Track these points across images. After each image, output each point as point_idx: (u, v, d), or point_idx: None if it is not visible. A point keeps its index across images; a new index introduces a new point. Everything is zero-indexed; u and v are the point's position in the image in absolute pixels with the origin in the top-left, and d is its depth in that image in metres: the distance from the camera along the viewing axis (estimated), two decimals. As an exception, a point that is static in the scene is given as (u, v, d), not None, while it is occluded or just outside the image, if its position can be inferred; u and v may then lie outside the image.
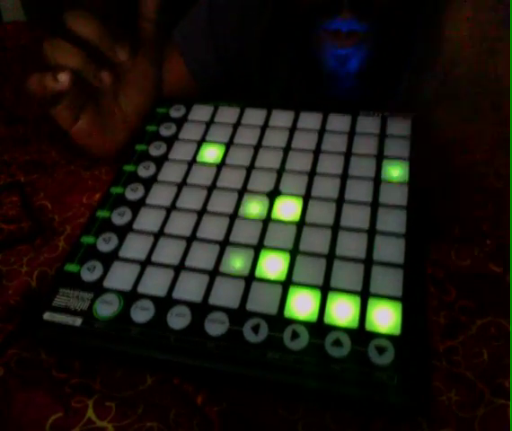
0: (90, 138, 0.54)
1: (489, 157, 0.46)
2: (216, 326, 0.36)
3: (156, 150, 0.50)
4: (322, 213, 0.42)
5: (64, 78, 0.49)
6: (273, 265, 0.39)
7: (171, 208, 0.45)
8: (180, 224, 0.43)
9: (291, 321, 0.36)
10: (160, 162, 0.49)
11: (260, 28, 0.72)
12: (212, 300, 0.38)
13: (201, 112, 0.53)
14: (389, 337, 0.35)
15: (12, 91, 0.71)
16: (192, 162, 0.48)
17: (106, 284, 0.40)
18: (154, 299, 0.38)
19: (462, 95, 0.46)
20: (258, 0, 0.72)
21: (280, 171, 0.46)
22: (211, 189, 0.46)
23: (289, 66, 0.71)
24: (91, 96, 0.53)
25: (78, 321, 0.38)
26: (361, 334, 0.35)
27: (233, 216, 0.43)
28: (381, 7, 0.56)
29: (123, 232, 0.43)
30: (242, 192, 0.45)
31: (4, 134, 0.63)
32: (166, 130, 0.52)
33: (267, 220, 0.42)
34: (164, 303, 0.38)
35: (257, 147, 0.49)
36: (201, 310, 0.37)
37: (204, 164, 0.48)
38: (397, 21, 0.58)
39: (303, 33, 0.61)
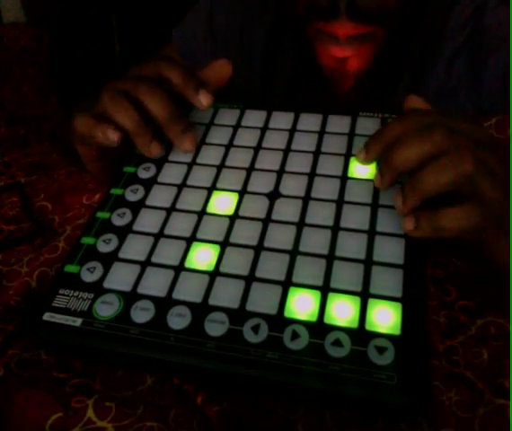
0: (103, 175, 0.54)
1: None
2: (216, 326, 0.36)
3: (156, 151, 0.50)
4: (323, 213, 0.42)
5: (113, 139, 0.46)
6: (272, 265, 0.39)
7: (171, 209, 0.45)
8: (180, 225, 0.43)
9: (291, 321, 0.36)
10: (160, 163, 0.49)
11: (262, 31, 0.72)
12: (212, 300, 0.38)
13: (201, 114, 0.53)
14: (389, 337, 0.35)
15: (12, 91, 0.72)
16: (192, 163, 0.48)
17: (106, 284, 0.40)
18: (154, 299, 0.38)
19: None
20: (259, 4, 0.72)
21: (280, 173, 0.46)
22: (211, 190, 0.46)
23: (290, 68, 0.71)
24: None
25: (78, 322, 0.38)
26: (361, 334, 0.35)
27: (234, 217, 0.43)
28: (380, 13, 0.56)
29: (123, 232, 0.43)
30: (243, 193, 0.45)
31: (5, 135, 0.64)
32: (166, 131, 0.52)
33: (266, 221, 0.43)
34: (164, 304, 0.38)
35: (257, 149, 0.49)
36: (201, 310, 0.37)
37: (204, 166, 0.48)
38: (396, 26, 0.58)
39: (302, 37, 0.61)
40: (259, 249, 0.41)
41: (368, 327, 0.35)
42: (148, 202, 0.45)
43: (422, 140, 0.39)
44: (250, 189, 0.45)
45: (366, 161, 0.43)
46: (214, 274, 0.39)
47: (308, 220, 0.42)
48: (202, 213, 0.44)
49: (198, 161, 0.48)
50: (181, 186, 0.46)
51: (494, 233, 0.39)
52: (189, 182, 0.47)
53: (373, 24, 0.56)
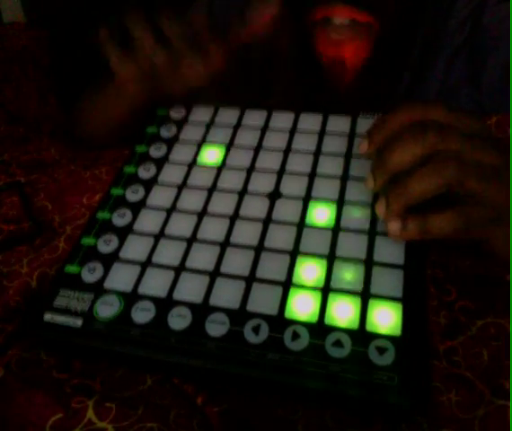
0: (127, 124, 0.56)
1: None
2: (216, 327, 0.36)
3: (157, 151, 0.50)
4: (323, 214, 0.42)
5: (201, 70, 0.50)
6: (273, 266, 0.39)
7: (171, 210, 0.45)
8: (181, 226, 0.43)
9: (291, 322, 0.36)
10: (160, 163, 0.49)
11: None
12: (212, 301, 0.38)
13: (201, 114, 0.53)
14: (389, 337, 0.35)
15: (12, 91, 0.71)
16: (192, 163, 0.48)
17: (106, 285, 0.40)
18: (154, 300, 0.38)
19: None
20: None
21: (280, 173, 0.46)
22: (211, 190, 0.46)
23: (290, 67, 0.71)
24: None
25: (79, 322, 0.38)
26: (361, 335, 0.35)
27: (234, 217, 0.43)
28: (374, 2, 0.56)
29: (123, 233, 0.43)
30: (243, 193, 0.45)
31: (4, 133, 0.63)
32: (166, 132, 0.52)
33: (267, 221, 0.43)
34: (165, 304, 0.38)
35: (257, 149, 0.49)
36: (202, 310, 0.37)
37: (204, 166, 0.48)
38: (393, 23, 0.58)
39: (301, 31, 0.61)
40: (259, 249, 0.41)
41: (369, 327, 0.35)
42: (149, 202, 0.45)
43: (416, 141, 0.39)
44: (250, 189, 0.45)
45: (369, 154, 0.42)
46: (214, 274, 0.39)
47: (308, 220, 0.42)
48: (202, 213, 0.44)
49: (199, 161, 0.48)
50: (182, 186, 0.46)
51: (490, 229, 0.39)
52: (189, 182, 0.47)
53: (368, 13, 0.56)
